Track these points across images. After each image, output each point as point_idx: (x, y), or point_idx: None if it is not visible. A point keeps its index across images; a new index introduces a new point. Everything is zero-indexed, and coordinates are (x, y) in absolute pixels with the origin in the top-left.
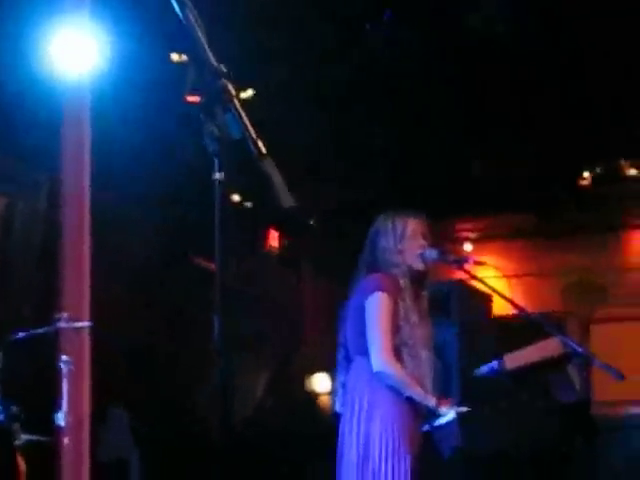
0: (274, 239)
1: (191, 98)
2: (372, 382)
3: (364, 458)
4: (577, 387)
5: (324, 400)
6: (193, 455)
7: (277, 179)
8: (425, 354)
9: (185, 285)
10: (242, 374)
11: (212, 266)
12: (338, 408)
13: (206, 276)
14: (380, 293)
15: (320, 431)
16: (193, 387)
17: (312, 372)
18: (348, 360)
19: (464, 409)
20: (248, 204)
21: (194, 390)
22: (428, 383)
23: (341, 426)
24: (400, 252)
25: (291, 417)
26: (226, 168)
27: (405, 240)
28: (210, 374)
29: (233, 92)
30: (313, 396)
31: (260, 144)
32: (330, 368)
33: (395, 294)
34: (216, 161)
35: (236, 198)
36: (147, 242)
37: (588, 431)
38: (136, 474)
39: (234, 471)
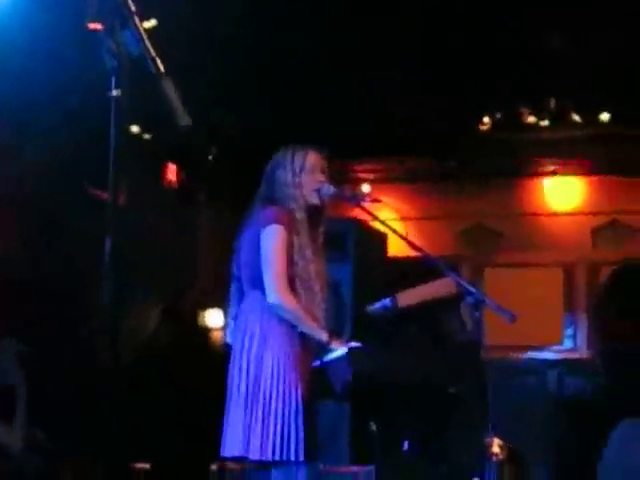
0: (172, 173)
1: (93, 25)
2: (265, 315)
3: (254, 391)
4: (468, 327)
5: (216, 335)
6: (82, 384)
7: (174, 98)
8: (318, 289)
9: (80, 215)
10: (134, 308)
11: (106, 195)
12: (229, 340)
13: (101, 206)
14: (275, 226)
15: (210, 365)
16: (85, 316)
17: (205, 307)
18: (241, 292)
19: (355, 344)
20: (147, 136)
21: (87, 319)
22: (321, 317)
23: (232, 358)
24: (298, 186)
25: (182, 352)
26: (126, 94)
27: (303, 174)
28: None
29: (133, 8)
30: (205, 331)
31: (158, 62)
32: (223, 303)
33: (290, 227)
34: (113, 78)
35: (135, 130)
36: (41, 170)
37: (478, 372)
38: (23, 401)
39: (123, 402)
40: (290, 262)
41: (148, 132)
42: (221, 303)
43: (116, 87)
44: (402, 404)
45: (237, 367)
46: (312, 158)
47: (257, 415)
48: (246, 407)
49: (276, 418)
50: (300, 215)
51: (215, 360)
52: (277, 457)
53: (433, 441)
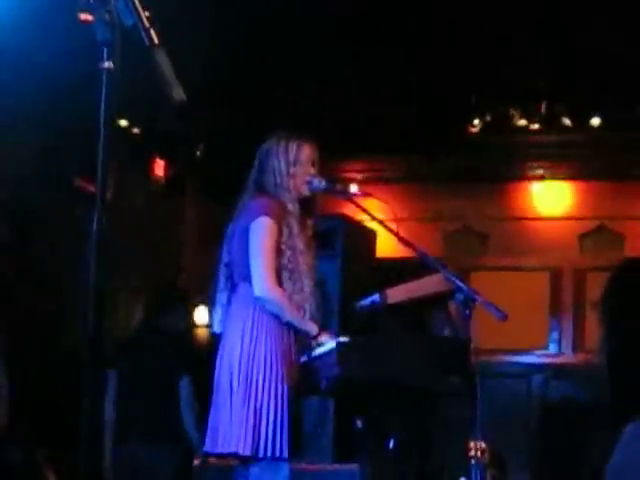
0: (160, 168)
1: (84, 16)
2: (256, 309)
3: (245, 387)
4: (456, 325)
5: (201, 331)
6: (63, 382)
7: (168, 71)
8: (308, 281)
9: (65, 209)
10: (118, 303)
11: (92, 188)
12: (217, 329)
13: (87, 200)
14: (264, 217)
15: (199, 359)
16: (68, 313)
17: (191, 302)
18: (230, 280)
19: (344, 339)
20: (136, 130)
21: (69, 317)
22: (308, 310)
23: (221, 351)
24: (291, 176)
25: (167, 347)
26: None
27: (298, 165)
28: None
29: None
30: (191, 327)
31: (152, 33)
32: (208, 298)
33: (280, 219)
34: (105, 50)
35: (123, 123)
36: (25, 162)
37: (466, 371)
38: (5, 398)
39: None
40: (278, 253)
41: (137, 126)
42: (206, 299)
43: (108, 59)
44: (388, 402)
45: (227, 362)
46: (306, 150)
47: (248, 412)
48: (236, 402)
49: (267, 415)
50: (291, 206)
51: (200, 356)
52: (264, 454)
53: (419, 440)
